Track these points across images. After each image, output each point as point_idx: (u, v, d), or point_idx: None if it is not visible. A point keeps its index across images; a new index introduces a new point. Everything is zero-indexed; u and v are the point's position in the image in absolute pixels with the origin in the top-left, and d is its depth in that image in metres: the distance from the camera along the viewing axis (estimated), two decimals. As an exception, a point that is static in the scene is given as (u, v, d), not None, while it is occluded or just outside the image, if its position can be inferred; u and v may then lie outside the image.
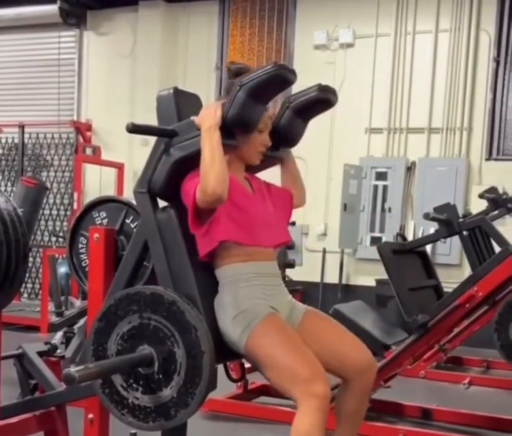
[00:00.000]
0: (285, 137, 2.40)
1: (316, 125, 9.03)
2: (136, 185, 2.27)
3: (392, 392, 4.38)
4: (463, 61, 7.51)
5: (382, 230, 7.76)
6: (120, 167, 8.68)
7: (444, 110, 7.59)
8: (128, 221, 2.62)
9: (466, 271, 5.81)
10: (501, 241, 4.63)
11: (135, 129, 2.18)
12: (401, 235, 5.39)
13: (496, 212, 5.26)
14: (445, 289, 4.55)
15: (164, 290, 2.14)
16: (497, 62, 7.45)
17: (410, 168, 7.73)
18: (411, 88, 7.75)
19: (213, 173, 2.06)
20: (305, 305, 2.42)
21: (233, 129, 2.19)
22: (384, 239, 7.26)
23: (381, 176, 7.79)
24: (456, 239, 5.41)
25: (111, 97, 8.98)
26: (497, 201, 5.20)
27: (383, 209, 7.79)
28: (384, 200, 7.78)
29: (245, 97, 2.13)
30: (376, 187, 7.80)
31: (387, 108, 7.81)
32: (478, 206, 5.56)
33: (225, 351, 2.22)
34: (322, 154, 8.03)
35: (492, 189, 5.32)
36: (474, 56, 7.50)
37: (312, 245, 8.05)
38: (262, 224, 2.27)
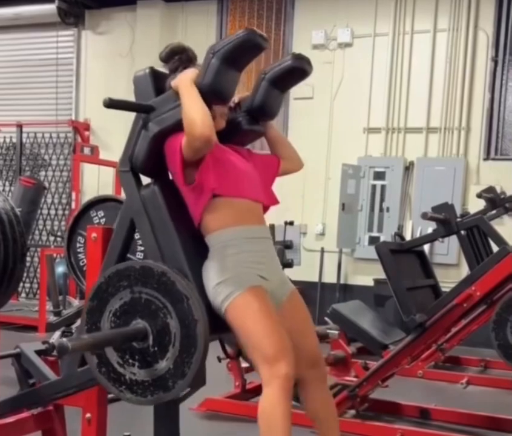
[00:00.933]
0: (263, 109, 2.39)
1: (315, 125, 9.08)
2: (119, 164, 2.27)
3: (390, 391, 4.39)
4: (461, 61, 7.51)
5: (380, 230, 7.76)
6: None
7: (442, 110, 7.60)
8: (125, 220, 2.63)
9: (464, 271, 5.83)
10: (499, 240, 4.64)
11: (112, 104, 2.18)
12: (399, 234, 5.39)
13: (494, 211, 5.26)
14: (443, 289, 4.55)
15: (154, 263, 2.13)
16: (495, 62, 7.45)
17: (408, 168, 7.74)
18: (409, 88, 7.76)
19: (198, 117, 2.06)
20: (292, 284, 2.43)
21: (208, 99, 2.16)
22: (382, 239, 7.26)
23: (379, 176, 7.79)
24: (453, 239, 5.42)
25: (109, 96, 8.96)
26: (495, 201, 5.21)
27: (381, 209, 7.79)
28: (382, 199, 7.78)
29: (219, 64, 2.12)
30: (374, 187, 7.81)
31: (385, 107, 7.81)
32: (476, 205, 5.57)
33: (218, 322, 2.22)
34: (321, 154, 8.03)
35: (490, 189, 5.33)
36: (472, 56, 7.50)
37: (310, 245, 8.06)
38: (248, 178, 2.28)
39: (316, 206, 7.96)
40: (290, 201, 7.31)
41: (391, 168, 7.72)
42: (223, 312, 2.17)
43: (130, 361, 2.13)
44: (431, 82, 7.66)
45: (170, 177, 2.27)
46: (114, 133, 8.91)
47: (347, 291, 7.91)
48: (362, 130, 7.92)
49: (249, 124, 2.38)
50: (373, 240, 7.35)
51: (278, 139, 2.52)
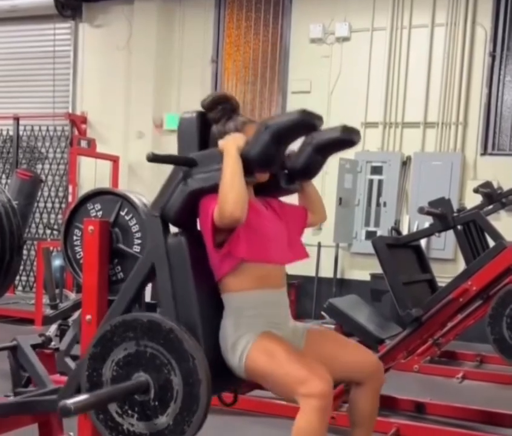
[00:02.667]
0: (305, 173, 2.41)
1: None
2: (150, 207, 2.27)
3: (386, 386, 4.35)
4: (459, 56, 7.51)
5: (377, 224, 7.77)
6: (115, 160, 8.67)
7: (440, 105, 7.60)
8: (122, 213, 2.62)
9: (461, 266, 5.82)
10: (495, 235, 4.64)
11: (155, 158, 2.16)
12: (396, 229, 5.40)
13: (491, 206, 5.27)
14: (439, 284, 4.56)
15: (161, 318, 2.13)
16: (493, 57, 7.45)
17: (405, 163, 7.74)
18: (407, 82, 7.76)
19: (232, 195, 2.06)
20: (303, 324, 2.44)
21: (252, 167, 2.18)
22: (378, 233, 7.27)
23: (376, 170, 7.79)
24: (450, 234, 5.42)
25: (106, 89, 8.96)
26: (492, 196, 5.21)
27: (378, 204, 7.80)
28: (379, 194, 7.79)
29: (269, 139, 2.10)
30: (371, 181, 7.81)
31: (383, 102, 7.81)
32: (473, 200, 5.57)
33: (222, 380, 2.23)
34: (318, 148, 8.03)
35: (487, 184, 5.33)
36: (470, 51, 7.50)
37: (307, 239, 8.00)
38: (278, 242, 2.28)
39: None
40: (287, 196, 7.29)
41: (388, 163, 7.72)
42: (242, 369, 2.17)
43: (129, 412, 2.13)
44: (428, 77, 7.66)
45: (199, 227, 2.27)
46: (111, 126, 8.92)
47: (343, 286, 7.92)
48: (359, 124, 7.91)
49: (287, 183, 2.39)
50: (370, 235, 7.36)
51: (312, 196, 2.56)
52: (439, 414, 4.22)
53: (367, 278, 7.26)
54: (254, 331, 2.18)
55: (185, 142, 2.28)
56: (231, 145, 2.13)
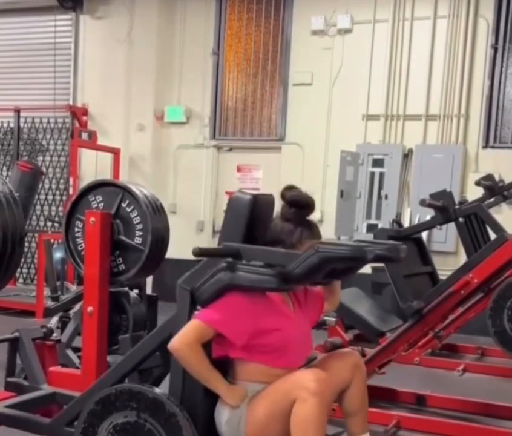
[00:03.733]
0: (341, 274, 2.37)
1: (313, 111, 9.02)
2: (182, 279, 2.26)
3: (387, 378, 4.40)
4: (461, 48, 7.48)
5: (378, 217, 7.76)
6: (116, 152, 8.65)
7: (441, 97, 7.57)
8: (124, 205, 2.62)
9: (462, 259, 5.81)
10: (496, 228, 4.64)
11: (201, 253, 2.20)
12: (397, 221, 5.39)
13: (492, 199, 5.25)
14: (441, 277, 4.56)
15: (166, 399, 2.15)
16: (495, 49, 7.42)
17: (406, 155, 7.72)
18: (409, 75, 7.73)
19: (185, 357, 2.13)
20: None
21: (293, 282, 2.19)
22: (380, 226, 7.25)
23: (378, 163, 7.77)
24: (452, 227, 5.41)
25: (107, 81, 8.94)
26: (493, 189, 5.20)
27: (379, 196, 7.79)
28: (380, 187, 7.77)
29: (317, 263, 2.09)
30: (372, 174, 7.79)
31: (384, 94, 7.79)
32: (474, 193, 5.57)
33: None
34: (319, 140, 8.02)
35: (489, 177, 5.32)
36: (472, 43, 7.46)
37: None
38: (296, 346, 2.30)
39: (315, 193, 7.88)
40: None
41: (389, 155, 7.71)
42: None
43: None
44: (430, 69, 7.63)
45: None
46: (112, 118, 8.90)
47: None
48: (361, 117, 7.90)
49: (323, 279, 2.35)
50: (371, 228, 7.35)
51: (337, 291, 2.54)
52: (439, 406, 4.22)
53: (368, 271, 7.24)
54: (243, 400, 2.21)
55: (233, 220, 2.31)
56: (230, 399, 2.18)
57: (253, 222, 2.30)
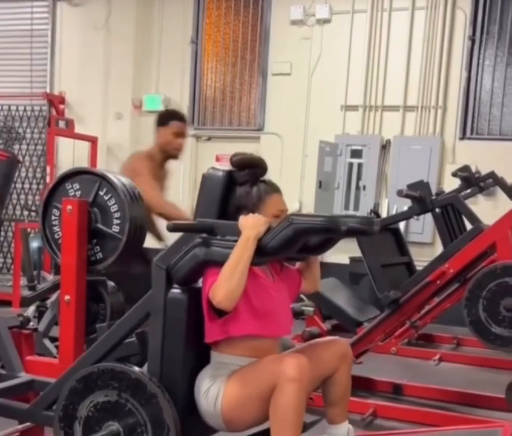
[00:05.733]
0: (317, 248, 2.39)
1: (292, 101, 8.98)
2: (158, 258, 2.24)
3: (364, 367, 4.43)
4: (439, 39, 7.52)
5: (356, 208, 7.79)
6: (93, 141, 8.58)
7: (419, 88, 7.61)
8: (101, 193, 2.60)
9: (439, 250, 5.86)
10: (472, 219, 4.69)
11: (175, 228, 2.19)
12: (375, 212, 5.43)
13: (469, 190, 5.30)
14: (418, 267, 4.60)
15: (148, 380, 2.15)
16: (473, 41, 7.46)
17: (384, 146, 7.76)
18: (387, 66, 7.75)
19: (227, 286, 2.07)
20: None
21: (268, 256, 2.17)
22: (358, 217, 7.28)
23: (356, 154, 7.80)
24: (428, 218, 5.47)
25: (85, 69, 8.85)
26: (470, 180, 5.25)
27: (357, 187, 7.82)
28: (358, 177, 7.80)
29: (291, 235, 2.08)
30: (351, 165, 7.82)
31: (363, 85, 7.81)
32: (451, 184, 5.61)
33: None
34: (298, 131, 8.03)
35: (465, 168, 5.36)
36: (450, 34, 7.50)
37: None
38: (276, 315, 2.29)
39: (293, 183, 7.95)
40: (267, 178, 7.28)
41: (368, 146, 7.74)
42: (219, 413, 2.17)
43: None
44: (408, 60, 7.66)
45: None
46: (89, 107, 8.82)
47: (323, 269, 7.88)
48: (339, 107, 7.92)
49: (298, 254, 2.36)
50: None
51: (314, 268, 2.53)
52: (415, 395, 4.27)
53: (346, 261, 7.28)
54: (224, 374, 2.21)
55: (207, 197, 2.31)
56: (251, 229, 2.10)
57: (227, 198, 2.29)
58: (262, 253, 2.12)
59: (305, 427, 2.37)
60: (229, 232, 2.17)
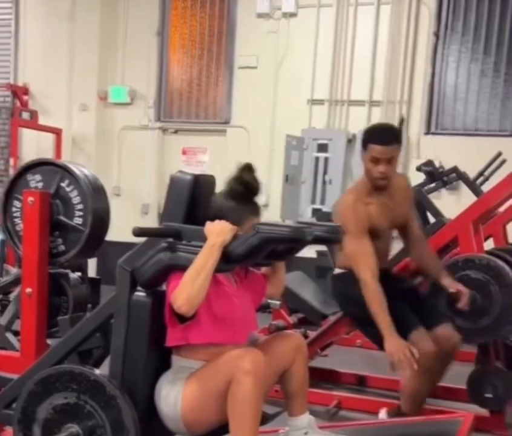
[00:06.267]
0: (283, 254, 2.39)
1: (259, 95, 8.94)
2: (123, 260, 2.23)
3: (329, 360, 4.48)
4: (404, 34, 7.56)
5: (322, 202, 7.82)
6: (58, 132, 8.48)
7: (385, 83, 7.65)
8: (63, 184, 2.57)
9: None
10: (435, 213, 4.76)
11: (141, 233, 2.17)
12: (340, 205, 5.43)
13: (433, 185, 5.38)
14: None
15: (108, 382, 2.15)
16: (437, 36, 7.53)
17: (350, 141, 7.80)
18: (353, 60, 7.77)
19: (188, 291, 2.07)
20: None
21: (232, 262, 2.18)
22: (324, 211, 7.32)
23: (322, 148, 7.82)
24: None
25: (49, 59, 8.72)
26: (434, 175, 5.33)
27: (324, 181, 7.85)
28: (325, 172, 7.83)
29: (257, 243, 2.09)
30: (317, 159, 7.84)
31: (329, 79, 7.83)
32: (416, 179, 5.66)
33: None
34: (265, 124, 8.03)
35: (429, 163, 5.44)
36: (415, 30, 7.54)
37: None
38: (238, 323, 2.29)
39: (260, 176, 7.90)
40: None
41: (334, 140, 7.77)
42: (180, 414, 2.16)
43: None
44: (374, 55, 7.70)
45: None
46: (54, 98, 8.71)
47: (289, 263, 7.94)
48: (306, 101, 7.93)
49: (264, 260, 2.34)
50: (316, 212, 7.41)
51: (280, 273, 2.52)
52: (379, 387, 4.32)
53: (313, 255, 7.32)
54: (182, 376, 2.20)
55: (174, 200, 2.29)
56: (217, 236, 2.11)
57: (194, 202, 2.29)
58: (227, 260, 2.13)
59: (267, 419, 2.39)
60: (195, 238, 2.17)
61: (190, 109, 8.65)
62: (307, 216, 7.79)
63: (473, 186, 5.37)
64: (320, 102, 7.88)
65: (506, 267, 3.56)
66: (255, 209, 2.32)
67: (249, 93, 8.12)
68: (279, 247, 2.27)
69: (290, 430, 2.44)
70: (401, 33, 7.57)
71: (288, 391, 2.41)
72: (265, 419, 2.32)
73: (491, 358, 3.74)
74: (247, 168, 2.32)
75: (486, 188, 4.98)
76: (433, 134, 7.62)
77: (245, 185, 2.29)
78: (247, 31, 8.17)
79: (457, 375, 3.98)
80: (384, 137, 3.25)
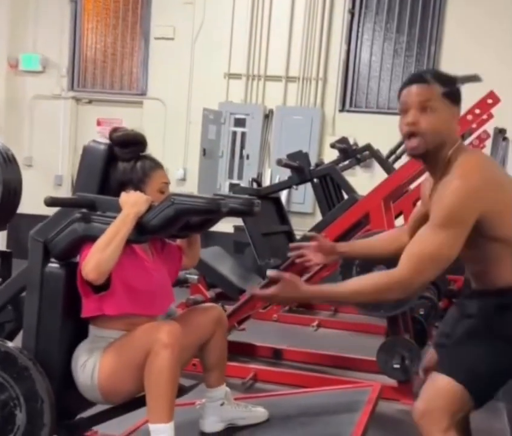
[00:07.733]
0: (199, 226, 2.38)
1: (176, 67, 8.83)
2: (35, 231, 2.17)
3: (246, 334, 4.52)
4: (320, 11, 7.60)
5: (240, 177, 7.85)
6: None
7: (301, 60, 7.69)
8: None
9: (319, 220, 6.05)
10: (348, 189, 4.86)
11: (53, 202, 2.11)
12: (256, 181, 5.49)
13: (347, 162, 5.47)
14: (298, 236, 4.70)
15: (19, 352, 2.10)
16: (352, 14, 7.61)
17: (267, 116, 7.84)
18: (270, 35, 7.77)
19: (97, 257, 2.05)
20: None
21: (148, 233, 2.15)
22: (241, 185, 7.35)
23: (240, 122, 7.84)
24: (310, 189, 5.58)
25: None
26: (347, 152, 5.42)
27: (241, 156, 7.87)
28: (242, 146, 7.85)
29: (172, 215, 2.08)
30: (234, 133, 7.85)
31: (246, 54, 7.81)
32: (332, 155, 5.75)
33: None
34: (182, 97, 7.95)
35: (343, 140, 5.52)
36: (331, 6, 7.60)
37: (171, 189, 7.95)
38: (154, 294, 2.28)
39: (177, 150, 7.88)
40: (150, 144, 7.15)
41: (251, 115, 7.79)
42: (96, 386, 2.15)
43: None
44: (290, 31, 7.72)
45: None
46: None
47: (207, 238, 7.91)
48: (223, 75, 7.90)
49: (180, 231, 2.33)
50: (233, 187, 7.42)
51: (196, 245, 2.50)
52: (294, 360, 4.40)
53: (231, 230, 7.34)
54: (101, 346, 2.19)
55: (88, 170, 2.25)
56: (132, 207, 2.10)
57: (107, 172, 2.25)
58: (143, 231, 2.11)
59: (184, 390, 2.41)
60: (110, 208, 2.14)
61: (104, 79, 8.46)
62: (224, 191, 7.79)
63: (385, 164, 5.48)
64: (237, 76, 7.86)
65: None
66: (154, 162, 2.32)
67: (166, 65, 8.01)
68: (195, 219, 2.28)
69: (206, 401, 2.47)
70: (317, 9, 7.61)
71: (207, 363, 2.43)
72: (182, 391, 2.33)
73: (400, 330, 3.87)
74: (116, 129, 2.33)
75: (399, 166, 5.11)
76: (348, 111, 7.73)
77: (129, 143, 2.28)
78: (163, 1, 8.03)
79: (369, 348, 4.11)
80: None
